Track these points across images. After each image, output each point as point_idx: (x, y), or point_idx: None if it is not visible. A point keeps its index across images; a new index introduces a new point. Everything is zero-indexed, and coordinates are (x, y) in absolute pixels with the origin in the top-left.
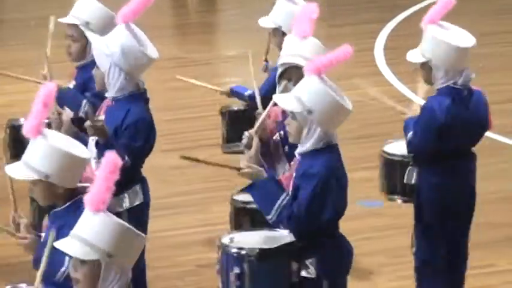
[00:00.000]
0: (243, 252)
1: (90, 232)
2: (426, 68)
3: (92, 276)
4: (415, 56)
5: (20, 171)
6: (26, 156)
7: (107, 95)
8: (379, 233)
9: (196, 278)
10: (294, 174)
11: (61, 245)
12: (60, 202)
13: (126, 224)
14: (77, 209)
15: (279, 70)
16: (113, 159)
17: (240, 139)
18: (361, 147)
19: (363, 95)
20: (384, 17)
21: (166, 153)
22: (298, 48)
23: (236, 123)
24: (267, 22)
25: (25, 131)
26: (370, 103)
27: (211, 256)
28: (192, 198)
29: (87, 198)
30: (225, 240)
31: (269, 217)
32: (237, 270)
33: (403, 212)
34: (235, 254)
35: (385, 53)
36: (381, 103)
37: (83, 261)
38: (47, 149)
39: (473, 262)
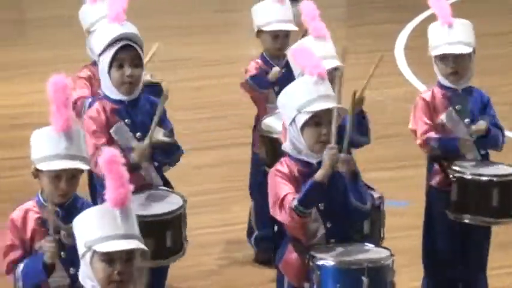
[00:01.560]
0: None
1: (131, 226)
2: (468, 57)
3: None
4: (461, 48)
5: (76, 164)
6: (73, 150)
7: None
8: (402, 232)
9: (218, 277)
10: None
11: (114, 246)
12: None
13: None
14: None
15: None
16: (111, 154)
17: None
18: (383, 147)
19: (384, 95)
20: (405, 17)
21: (186, 152)
22: (328, 51)
23: (276, 149)
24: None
25: (57, 129)
26: (391, 103)
27: (233, 255)
28: (211, 198)
29: (109, 197)
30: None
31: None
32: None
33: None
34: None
35: (405, 53)
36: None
37: (130, 259)
38: (83, 138)
39: (495, 263)
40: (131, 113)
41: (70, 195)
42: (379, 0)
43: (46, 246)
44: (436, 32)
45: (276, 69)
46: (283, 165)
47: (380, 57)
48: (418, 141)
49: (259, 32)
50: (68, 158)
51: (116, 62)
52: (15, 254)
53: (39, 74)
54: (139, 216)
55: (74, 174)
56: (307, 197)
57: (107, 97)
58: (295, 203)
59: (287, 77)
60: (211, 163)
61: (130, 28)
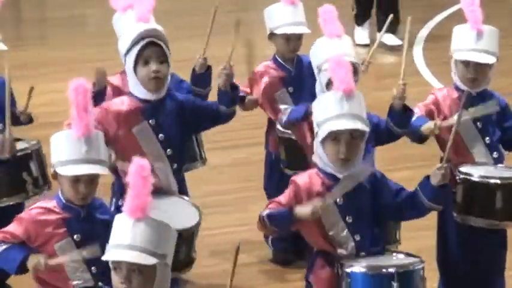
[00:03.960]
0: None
1: (145, 239)
2: (490, 66)
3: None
4: (485, 57)
5: (96, 168)
6: (93, 154)
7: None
8: (420, 232)
9: (236, 276)
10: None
11: (114, 256)
12: None
13: (164, 222)
14: None
15: (327, 76)
16: (141, 164)
17: (299, 166)
18: (402, 147)
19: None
20: (423, 17)
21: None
22: (343, 49)
23: (295, 151)
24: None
25: (77, 133)
26: (409, 103)
27: (249, 255)
28: (228, 198)
29: (128, 206)
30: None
31: None
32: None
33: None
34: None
35: (424, 53)
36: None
37: (140, 271)
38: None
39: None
40: (156, 114)
41: (90, 197)
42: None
43: (36, 259)
44: (463, 35)
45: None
46: (303, 177)
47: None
48: None
49: (272, 35)
50: (87, 163)
51: (141, 59)
52: (7, 237)
53: (58, 74)
54: None
55: (93, 178)
56: (275, 219)
57: (133, 95)
58: (264, 213)
59: (299, 78)
60: (229, 163)
61: (154, 26)
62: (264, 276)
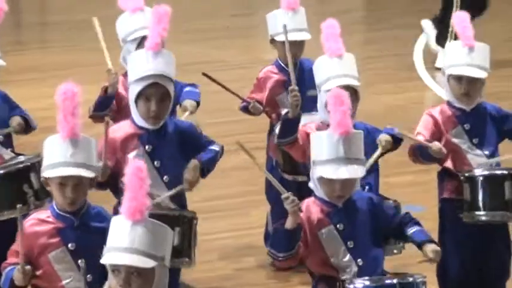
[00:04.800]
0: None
1: (144, 242)
2: (482, 81)
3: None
4: (477, 72)
5: (79, 171)
6: (79, 157)
7: None
8: None
9: (234, 282)
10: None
11: (113, 259)
12: None
13: (159, 223)
14: None
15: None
16: (137, 165)
17: (296, 171)
18: (404, 152)
19: (404, 99)
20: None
21: None
22: (343, 69)
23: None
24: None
25: (63, 136)
26: (411, 107)
27: (250, 260)
28: (231, 202)
29: (126, 208)
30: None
31: None
32: None
33: None
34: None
35: (424, 58)
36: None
37: (139, 273)
38: (93, 146)
39: None
40: (153, 140)
41: (78, 202)
42: (398, 5)
43: (14, 271)
44: (455, 51)
45: (253, 103)
46: (302, 207)
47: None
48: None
49: (273, 40)
50: (72, 166)
51: (143, 96)
52: (13, 260)
53: (58, 78)
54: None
55: (79, 181)
56: (276, 240)
57: (132, 120)
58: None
59: (300, 82)
60: (232, 167)
61: (161, 65)
62: (265, 280)
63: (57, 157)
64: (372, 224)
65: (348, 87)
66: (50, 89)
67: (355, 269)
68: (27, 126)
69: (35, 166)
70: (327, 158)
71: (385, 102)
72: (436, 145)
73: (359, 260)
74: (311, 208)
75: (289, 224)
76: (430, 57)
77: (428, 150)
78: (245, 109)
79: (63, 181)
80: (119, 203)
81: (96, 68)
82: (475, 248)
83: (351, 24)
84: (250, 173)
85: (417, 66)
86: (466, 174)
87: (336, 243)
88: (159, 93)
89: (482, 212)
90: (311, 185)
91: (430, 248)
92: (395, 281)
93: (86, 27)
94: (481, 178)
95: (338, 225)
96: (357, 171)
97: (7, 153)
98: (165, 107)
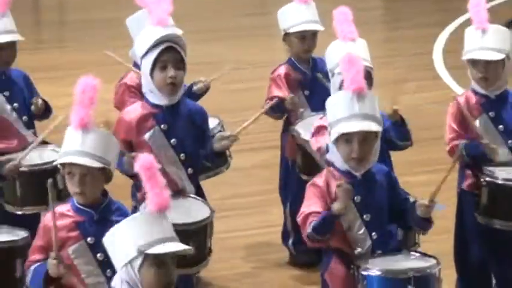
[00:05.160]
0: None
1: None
2: (500, 64)
3: None
4: (491, 54)
5: (85, 160)
6: (86, 147)
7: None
8: (439, 236)
9: (253, 280)
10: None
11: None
12: (100, 195)
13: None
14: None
15: (340, 78)
16: (147, 161)
17: (314, 172)
18: (420, 151)
19: (421, 98)
20: (443, 20)
21: None
22: (356, 52)
23: (310, 155)
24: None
25: (74, 126)
26: (428, 106)
27: (269, 258)
28: (251, 200)
29: (152, 202)
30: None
31: None
32: None
33: None
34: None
35: (443, 57)
36: (440, 106)
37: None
38: (108, 139)
39: None
40: (168, 119)
41: (89, 195)
42: (418, 4)
43: (48, 262)
44: (469, 36)
45: (291, 97)
46: (321, 178)
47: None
48: (446, 148)
49: (286, 35)
50: (78, 154)
51: (159, 64)
52: (37, 257)
53: (77, 77)
54: None
55: (86, 171)
56: (321, 227)
57: (146, 100)
58: (309, 230)
59: (315, 81)
60: (252, 165)
61: (174, 30)
62: (284, 278)
63: (67, 146)
64: (388, 198)
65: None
66: (67, 88)
67: (369, 242)
68: (46, 110)
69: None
70: (343, 116)
71: (403, 102)
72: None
73: (374, 233)
74: (330, 180)
75: (339, 207)
76: (450, 57)
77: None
78: (277, 108)
79: (70, 170)
80: (137, 201)
81: (113, 68)
82: (495, 234)
83: (371, 23)
84: (270, 171)
85: (436, 65)
86: (487, 179)
87: (353, 216)
88: (175, 58)
89: (498, 221)
90: (329, 156)
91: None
92: (410, 274)
93: (103, 26)
94: (499, 186)
95: (355, 198)
96: (371, 126)
97: (30, 135)
98: (181, 75)
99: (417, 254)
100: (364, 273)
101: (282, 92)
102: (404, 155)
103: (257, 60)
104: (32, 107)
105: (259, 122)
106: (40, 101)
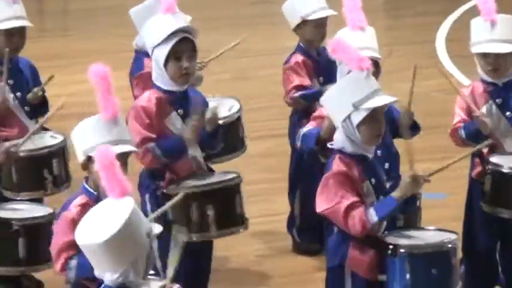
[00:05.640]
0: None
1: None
2: (509, 56)
3: None
4: (502, 47)
5: (129, 147)
6: (120, 135)
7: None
8: (441, 224)
9: (257, 268)
10: None
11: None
12: None
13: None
14: None
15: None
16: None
17: None
18: (423, 139)
19: (424, 86)
20: (446, 8)
21: None
22: (365, 42)
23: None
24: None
25: (107, 115)
26: (434, 95)
27: (274, 246)
28: (256, 188)
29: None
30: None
31: None
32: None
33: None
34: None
35: (446, 45)
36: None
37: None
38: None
39: None
40: (183, 103)
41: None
42: None
43: None
44: (477, 27)
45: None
46: (340, 165)
47: (414, 69)
48: (449, 131)
49: (303, 23)
50: (121, 143)
51: (173, 55)
52: (70, 253)
53: (80, 65)
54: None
55: (125, 159)
56: (388, 216)
57: (158, 87)
58: (375, 219)
59: (328, 67)
60: (257, 153)
61: (185, 20)
62: (288, 267)
63: (105, 136)
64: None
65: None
66: (72, 76)
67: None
68: (43, 104)
69: (59, 151)
70: (365, 94)
71: (406, 90)
72: (481, 113)
73: (390, 181)
74: (349, 165)
75: (407, 192)
76: (453, 45)
77: (474, 121)
78: (308, 96)
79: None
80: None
81: (118, 55)
82: (502, 222)
83: (372, 11)
84: (275, 160)
85: (439, 53)
86: (491, 167)
87: (372, 198)
88: (189, 48)
89: (504, 210)
90: (339, 142)
91: None
92: (449, 246)
93: (107, 14)
94: (504, 175)
95: (378, 152)
96: (392, 97)
97: (32, 124)
98: (193, 65)
99: (432, 228)
100: (402, 250)
101: (304, 80)
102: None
103: (259, 49)
104: (29, 94)
105: (263, 111)
106: (40, 92)
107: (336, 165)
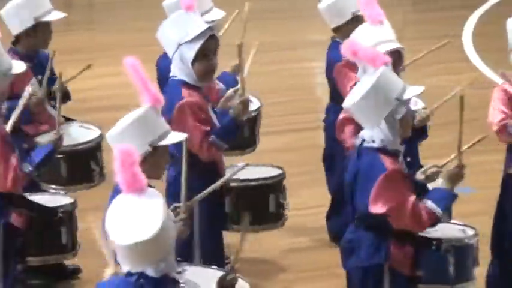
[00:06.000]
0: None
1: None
2: None
3: None
4: None
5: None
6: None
7: None
8: (469, 219)
9: (283, 262)
10: None
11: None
12: None
13: None
14: None
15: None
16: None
17: None
18: (450, 133)
19: (451, 80)
20: (474, 2)
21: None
22: (388, 34)
23: None
24: None
25: (156, 104)
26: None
27: (298, 240)
28: None
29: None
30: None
31: None
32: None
33: (495, 198)
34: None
35: (473, 39)
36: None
37: None
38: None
39: None
40: (208, 98)
41: None
42: None
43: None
44: None
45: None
46: (393, 163)
47: (461, 98)
48: (495, 128)
49: (353, 19)
50: (172, 131)
51: (202, 53)
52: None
53: (106, 58)
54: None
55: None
56: (449, 207)
57: (184, 83)
58: (440, 212)
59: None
60: (282, 147)
61: (207, 17)
62: (315, 261)
63: (163, 126)
64: None
65: (395, 52)
66: (97, 69)
67: None
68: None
69: (99, 145)
70: (402, 86)
71: (432, 84)
72: None
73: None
74: (394, 161)
75: (457, 182)
76: (479, 39)
77: None
78: None
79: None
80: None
81: (143, 49)
82: None
83: (400, 5)
84: (299, 153)
85: (466, 48)
86: None
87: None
88: (215, 46)
89: None
90: (378, 140)
91: None
92: (473, 240)
93: (132, 7)
94: None
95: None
96: (420, 87)
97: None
98: (217, 61)
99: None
100: (447, 244)
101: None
102: (435, 137)
103: (268, 44)
104: (54, 87)
105: (286, 105)
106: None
107: (388, 164)
